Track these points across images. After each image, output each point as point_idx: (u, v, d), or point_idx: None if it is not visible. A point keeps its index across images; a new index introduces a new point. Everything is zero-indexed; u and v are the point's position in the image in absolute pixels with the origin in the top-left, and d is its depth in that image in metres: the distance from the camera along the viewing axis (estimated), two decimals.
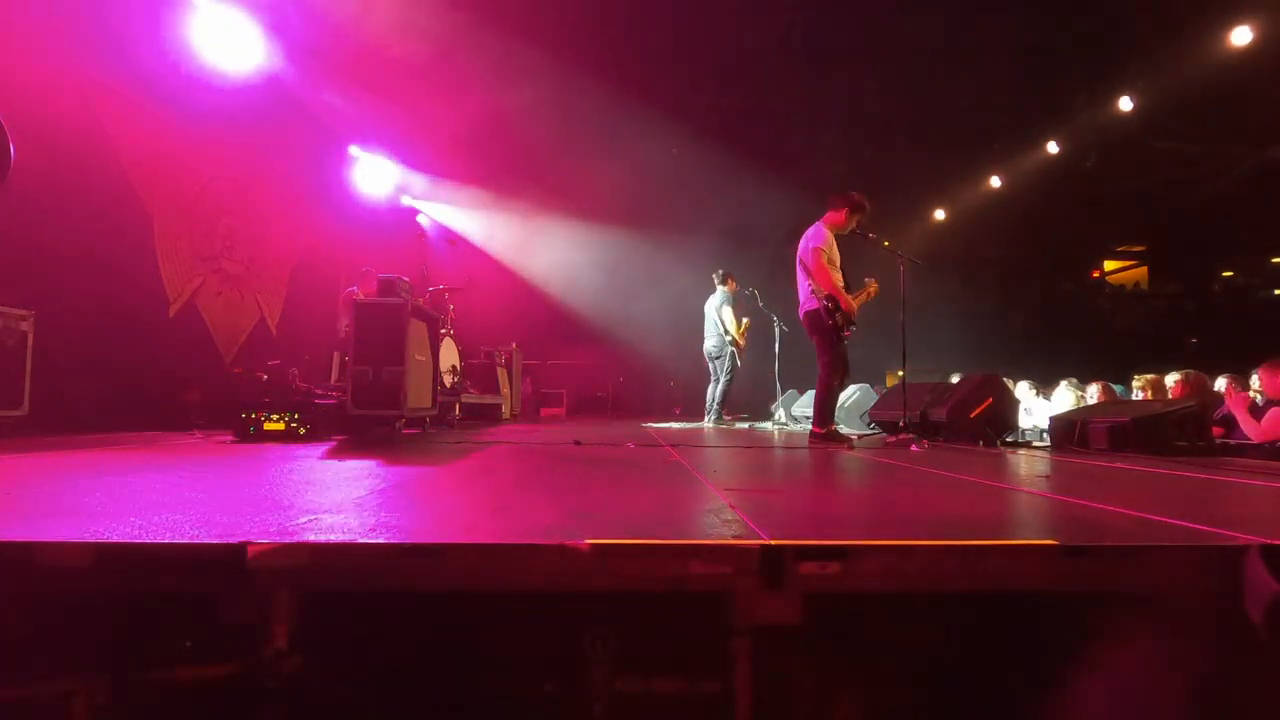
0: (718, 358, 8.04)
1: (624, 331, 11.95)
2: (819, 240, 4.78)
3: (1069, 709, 1.24)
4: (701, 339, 8.42)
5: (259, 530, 1.32)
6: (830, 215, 4.90)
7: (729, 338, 7.90)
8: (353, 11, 6.92)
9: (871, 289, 5.07)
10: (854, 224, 4.89)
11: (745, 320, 8.09)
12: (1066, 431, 4.58)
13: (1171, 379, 5.95)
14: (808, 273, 4.81)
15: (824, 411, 4.77)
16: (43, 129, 4.49)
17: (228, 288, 6.71)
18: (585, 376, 12.33)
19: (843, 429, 5.15)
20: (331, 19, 6.89)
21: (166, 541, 1.22)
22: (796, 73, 9.27)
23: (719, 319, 8.00)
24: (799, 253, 4.91)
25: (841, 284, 4.79)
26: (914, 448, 4.22)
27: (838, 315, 4.70)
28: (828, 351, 4.78)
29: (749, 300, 8.42)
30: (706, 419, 8.07)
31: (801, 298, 4.92)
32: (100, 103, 5.16)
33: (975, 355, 10.65)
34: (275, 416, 4.16)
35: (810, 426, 4.89)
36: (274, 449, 3.54)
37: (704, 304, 8.40)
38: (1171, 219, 12.70)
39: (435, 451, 3.61)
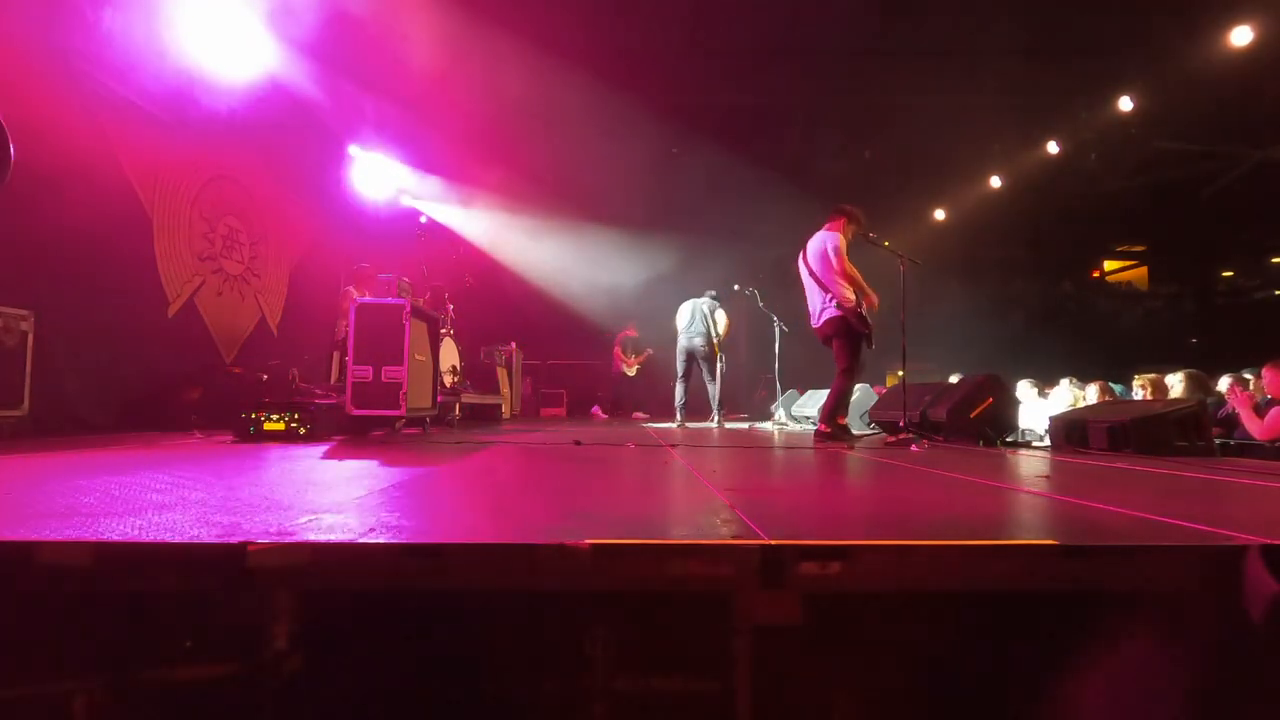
0: (706, 358, 8.05)
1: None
2: (838, 242, 4.89)
3: (1069, 709, 1.24)
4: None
5: (259, 530, 1.32)
6: (834, 224, 5.03)
7: (717, 339, 7.94)
8: (352, 11, 6.91)
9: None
10: (851, 234, 5.03)
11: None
12: (1066, 431, 4.57)
13: (1172, 380, 5.95)
14: (827, 280, 4.87)
15: (835, 410, 4.83)
16: (43, 129, 4.49)
17: (228, 288, 6.71)
18: (585, 376, 12.32)
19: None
20: (330, 18, 6.88)
21: (166, 541, 1.22)
22: (798, 71, 9.26)
23: (712, 319, 8.01)
24: (811, 261, 4.98)
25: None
26: (914, 448, 4.21)
27: (867, 319, 4.83)
28: (853, 357, 4.86)
29: (749, 300, 8.43)
30: (677, 418, 8.03)
31: (820, 305, 4.98)
32: (100, 102, 5.16)
33: (975, 355, 10.65)
34: (275, 416, 4.16)
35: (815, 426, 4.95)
36: (274, 449, 3.54)
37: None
38: (1171, 219, 12.68)
39: (435, 451, 3.61)
